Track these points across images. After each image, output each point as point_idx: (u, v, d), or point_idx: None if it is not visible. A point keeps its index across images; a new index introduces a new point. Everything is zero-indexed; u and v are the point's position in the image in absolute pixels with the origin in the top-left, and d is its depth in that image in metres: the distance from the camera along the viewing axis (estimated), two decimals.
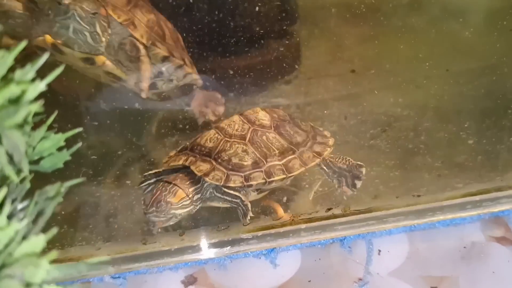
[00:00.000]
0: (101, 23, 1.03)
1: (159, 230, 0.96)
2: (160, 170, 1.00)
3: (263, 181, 0.95)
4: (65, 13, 0.97)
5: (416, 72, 1.41)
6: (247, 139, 0.98)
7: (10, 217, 0.56)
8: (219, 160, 0.95)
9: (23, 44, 0.54)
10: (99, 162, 1.14)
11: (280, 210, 0.99)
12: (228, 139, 0.97)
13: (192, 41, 1.35)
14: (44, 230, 0.58)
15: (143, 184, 0.99)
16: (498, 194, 1.01)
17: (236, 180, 0.93)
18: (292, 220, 0.97)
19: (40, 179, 0.63)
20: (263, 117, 1.02)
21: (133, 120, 1.25)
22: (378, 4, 1.60)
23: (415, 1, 1.58)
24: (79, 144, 0.70)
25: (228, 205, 0.97)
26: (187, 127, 1.28)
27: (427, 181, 1.06)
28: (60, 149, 0.66)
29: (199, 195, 0.95)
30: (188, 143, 1.02)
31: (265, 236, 0.96)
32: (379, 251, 0.97)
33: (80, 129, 0.71)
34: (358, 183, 1.03)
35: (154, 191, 0.92)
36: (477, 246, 0.98)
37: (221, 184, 0.93)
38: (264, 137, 0.99)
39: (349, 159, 1.05)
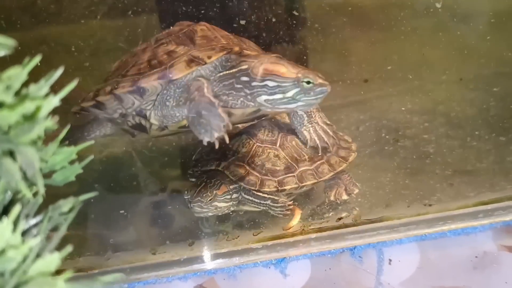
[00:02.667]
0: None
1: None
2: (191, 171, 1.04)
3: (296, 185, 0.97)
4: (319, 93, 0.86)
5: (425, 78, 1.41)
6: (278, 144, 1.00)
7: (23, 233, 0.55)
8: (253, 165, 0.97)
9: (37, 58, 0.53)
10: (108, 172, 1.14)
11: (295, 220, 0.98)
12: (260, 144, 0.99)
13: None
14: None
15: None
16: (510, 203, 1.00)
17: (270, 185, 0.96)
18: (303, 230, 0.96)
19: (51, 192, 0.62)
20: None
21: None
22: (386, 8, 1.60)
23: (424, 6, 1.57)
24: (91, 157, 0.69)
25: (259, 209, 1.00)
26: None
27: (438, 189, 1.05)
28: (72, 162, 0.66)
29: (237, 195, 0.98)
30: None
31: (275, 246, 0.95)
32: (390, 260, 0.97)
33: (92, 142, 0.70)
34: (345, 197, 1.04)
35: (199, 183, 0.95)
36: (489, 255, 0.97)
37: (256, 189, 0.96)
38: (293, 142, 1.01)
39: (350, 174, 1.06)
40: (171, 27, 1.07)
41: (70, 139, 0.64)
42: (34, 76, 0.55)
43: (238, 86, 0.89)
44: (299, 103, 0.87)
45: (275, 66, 0.86)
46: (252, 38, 1.38)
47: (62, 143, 0.62)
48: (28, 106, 0.48)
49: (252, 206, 0.99)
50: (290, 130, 1.03)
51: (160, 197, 1.09)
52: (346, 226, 0.97)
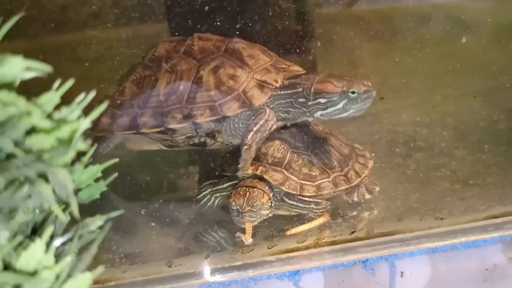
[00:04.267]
0: None
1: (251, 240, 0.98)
2: (216, 180, 1.05)
3: (332, 190, 1.00)
4: (366, 99, 0.96)
5: (433, 90, 1.42)
6: (310, 150, 1.04)
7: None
8: (291, 170, 1.00)
9: (70, 82, 0.54)
10: (122, 180, 1.14)
11: (301, 228, 1.00)
12: (294, 150, 1.03)
13: None
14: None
15: (200, 196, 1.05)
16: None
17: (309, 189, 0.99)
18: (316, 243, 0.97)
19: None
20: (316, 128, 1.09)
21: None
22: (392, 19, 1.61)
23: (429, 17, 1.58)
24: (115, 175, 0.70)
25: (295, 213, 1.03)
26: None
27: (449, 203, 1.06)
28: (97, 180, 0.67)
29: (274, 202, 1.00)
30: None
31: (289, 259, 0.96)
32: (402, 273, 0.97)
33: (116, 160, 0.71)
34: (368, 196, 1.07)
35: (241, 192, 0.96)
36: (499, 268, 0.98)
37: (297, 193, 0.98)
38: (322, 149, 1.06)
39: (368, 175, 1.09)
40: (194, 40, 1.09)
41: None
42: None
43: (297, 105, 1.01)
44: (351, 111, 0.97)
45: (323, 85, 0.98)
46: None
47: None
48: (64, 131, 0.50)
49: (293, 210, 1.02)
50: (317, 137, 1.07)
51: (176, 209, 1.10)
52: (359, 239, 0.98)
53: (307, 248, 0.97)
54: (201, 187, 1.05)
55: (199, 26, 1.43)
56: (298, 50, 1.49)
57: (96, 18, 1.46)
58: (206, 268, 0.94)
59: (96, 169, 0.65)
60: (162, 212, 1.09)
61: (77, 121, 0.52)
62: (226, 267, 0.95)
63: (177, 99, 1.01)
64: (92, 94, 0.55)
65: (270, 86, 1.00)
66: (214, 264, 0.95)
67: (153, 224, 1.06)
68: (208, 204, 1.05)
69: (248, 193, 0.96)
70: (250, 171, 0.99)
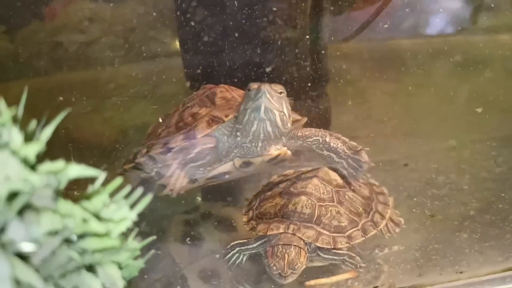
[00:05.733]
0: (287, 104, 1.05)
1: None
2: (245, 240, 1.06)
3: (363, 238, 1.02)
4: (256, 94, 1.00)
5: (447, 133, 1.43)
6: (336, 200, 1.05)
7: None
8: (322, 225, 1.01)
9: (118, 180, 0.59)
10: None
11: (319, 281, 1.02)
12: (321, 204, 1.04)
13: None
14: None
15: (229, 256, 1.06)
16: None
17: (342, 241, 1.00)
18: None
19: None
20: (335, 176, 1.10)
21: None
22: (402, 55, 1.63)
23: (442, 53, 1.59)
24: (152, 251, 0.74)
25: (327, 263, 1.03)
26: None
27: (467, 254, 1.07)
28: (135, 257, 0.70)
29: (309, 255, 1.01)
30: (266, 209, 1.07)
31: None
32: None
33: (154, 237, 0.75)
34: (397, 229, 1.11)
35: (279, 254, 0.96)
36: None
37: (331, 247, 0.99)
38: (346, 197, 1.07)
39: None
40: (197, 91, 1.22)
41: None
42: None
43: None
44: (249, 110, 1.02)
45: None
46: None
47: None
48: (114, 234, 0.53)
49: (325, 262, 1.03)
50: (338, 184, 1.09)
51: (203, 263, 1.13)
52: None
53: None
54: (229, 247, 1.06)
55: (211, 64, 1.47)
56: (313, 96, 1.53)
57: (107, 55, 1.51)
58: None
59: (135, 248, 0.69)
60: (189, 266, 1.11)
61: (125, 221, 0.56)
62: None
63: (152, 137, 1.13)
64: (140, 190, 0.59)
65: (218, 120, 1.05)
66: None
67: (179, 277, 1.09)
68: (237, 262, 1.06)
69: (286, 255, 0.96)
70: (281, 230, 1.00)
